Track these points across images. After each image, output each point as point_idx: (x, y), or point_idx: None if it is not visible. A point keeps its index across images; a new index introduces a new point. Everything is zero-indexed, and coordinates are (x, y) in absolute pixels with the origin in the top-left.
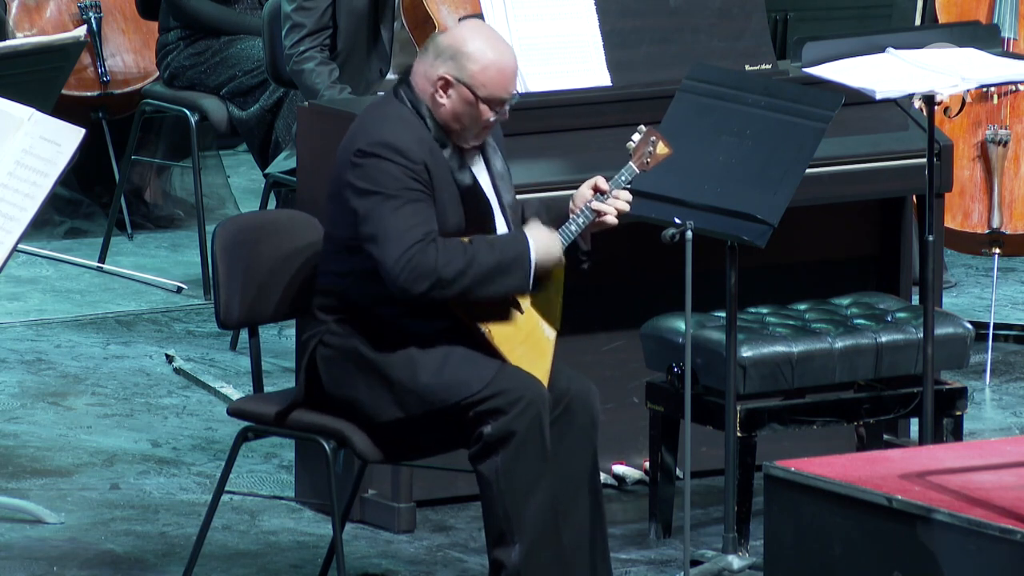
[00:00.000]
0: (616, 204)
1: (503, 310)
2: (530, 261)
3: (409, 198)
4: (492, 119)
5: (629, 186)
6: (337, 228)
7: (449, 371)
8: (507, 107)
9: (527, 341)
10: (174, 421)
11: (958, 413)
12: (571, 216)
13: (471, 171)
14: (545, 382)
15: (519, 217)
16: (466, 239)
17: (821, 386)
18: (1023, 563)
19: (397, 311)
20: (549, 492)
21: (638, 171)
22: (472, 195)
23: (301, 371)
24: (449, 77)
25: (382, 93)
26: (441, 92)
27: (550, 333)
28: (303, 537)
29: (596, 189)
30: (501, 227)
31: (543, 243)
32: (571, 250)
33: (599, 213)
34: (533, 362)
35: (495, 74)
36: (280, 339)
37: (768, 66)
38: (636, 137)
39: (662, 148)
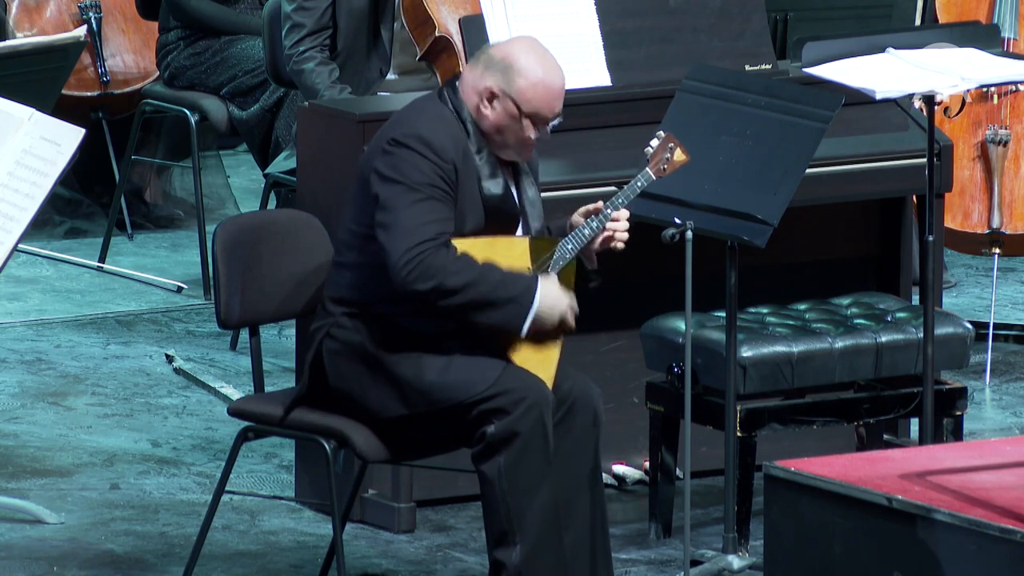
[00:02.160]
0: (614, 226)
1: None
2: (531, 304)
3: (430, 194)
4: (533, 137)
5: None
6: (357, 216)
7: (455, 370)
8: (550, 127)
9: (534, 343)
10: (174, 421)
11: (958, 413)
12: (568, 236)
13: (504, 180)
14: (550, 384)
15: None
16: (480, 259)
17: (821, 386)
18: (1023, 563)
19: (406, 309)
20: (551, 493)
21: (655, 177)
22: (501, 203)
23: (306, 363)
24: (496, 89)
25: (383, 93)
26: (486, 103)
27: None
28: (303, 537)
29: (588, 214)
30: None
31: (550, 295)
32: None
33: (594, 236)
34: (539, 364)
35: (542, 91)
36: (280, 339)
37: (768, 66)
38: (654, 143)
39: (679, 155)
